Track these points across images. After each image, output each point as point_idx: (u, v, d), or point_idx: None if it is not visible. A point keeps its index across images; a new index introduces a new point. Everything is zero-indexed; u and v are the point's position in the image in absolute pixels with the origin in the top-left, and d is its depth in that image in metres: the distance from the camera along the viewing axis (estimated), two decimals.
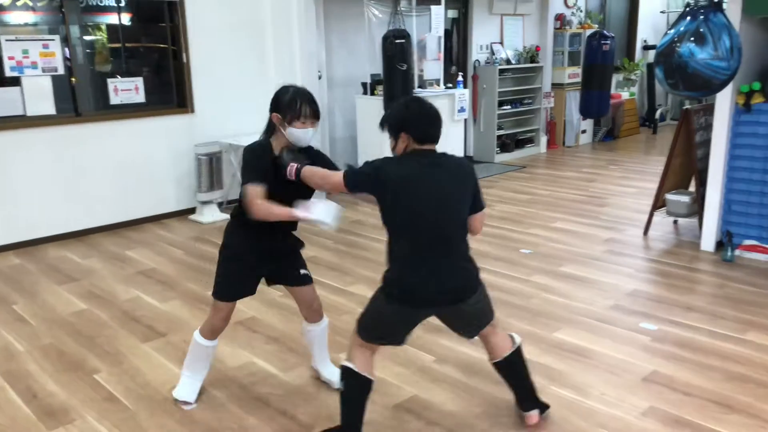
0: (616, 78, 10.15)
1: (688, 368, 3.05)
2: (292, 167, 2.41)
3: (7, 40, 4.94)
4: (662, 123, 10.98)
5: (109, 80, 5.54)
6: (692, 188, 5.25)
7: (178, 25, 5.81)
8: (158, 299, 4.07)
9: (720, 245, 4.67)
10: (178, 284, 4.33)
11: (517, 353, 2.59)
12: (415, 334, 2.91)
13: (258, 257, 2.63)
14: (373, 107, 6.38)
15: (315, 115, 2.50)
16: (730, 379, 2.95)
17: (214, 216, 5.88)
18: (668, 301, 3.86)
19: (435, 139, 2.32)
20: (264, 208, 2.39)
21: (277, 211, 2.39)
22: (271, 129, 2.54)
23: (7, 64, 4.95)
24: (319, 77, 6.63)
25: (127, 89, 5.62)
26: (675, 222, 5.43)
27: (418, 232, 2.25)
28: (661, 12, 11.11)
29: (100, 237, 5.44)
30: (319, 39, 6.60)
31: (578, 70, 9.17)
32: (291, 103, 2.45)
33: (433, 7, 6.93)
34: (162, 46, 5.98)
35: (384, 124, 2.34)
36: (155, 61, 6.10)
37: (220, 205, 6.07)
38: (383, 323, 2.40)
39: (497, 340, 2.55)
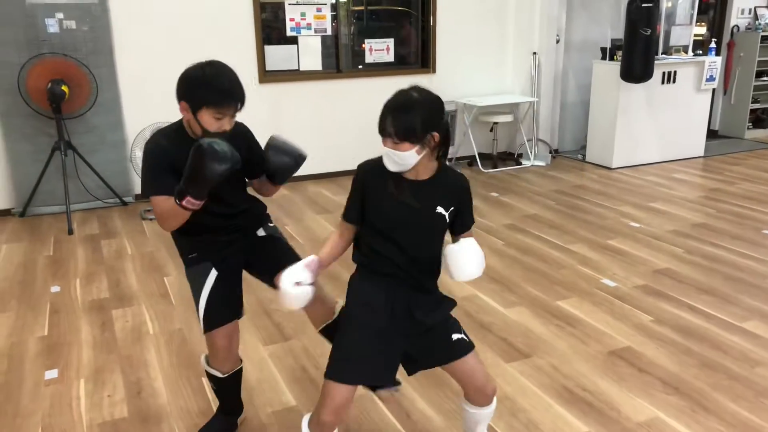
0: None
1: None
2: None
3: (289, 4, 5.83)
4: None
5: (366, 41, 6.24)
6: None
7: None
8: None
9: None
10: None
11: None
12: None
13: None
14: (611, 73, 6.26)
15: None
16: None
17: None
18: None
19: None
20: None
21: None
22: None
23: (288, 25, 5.86)
24: (557, 41, 6.67)
25: (379, 49, 6.27)
26: None
27: None
28: None
29: (346, 180, 6.22)
30: (561, 2, 6.61)
31: None
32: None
33: None
34: (405, 9, 6.51)
35: None
36: (401, 24, 6.66)
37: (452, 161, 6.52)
38: None
39: None
